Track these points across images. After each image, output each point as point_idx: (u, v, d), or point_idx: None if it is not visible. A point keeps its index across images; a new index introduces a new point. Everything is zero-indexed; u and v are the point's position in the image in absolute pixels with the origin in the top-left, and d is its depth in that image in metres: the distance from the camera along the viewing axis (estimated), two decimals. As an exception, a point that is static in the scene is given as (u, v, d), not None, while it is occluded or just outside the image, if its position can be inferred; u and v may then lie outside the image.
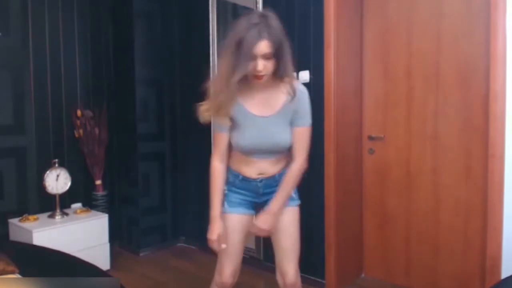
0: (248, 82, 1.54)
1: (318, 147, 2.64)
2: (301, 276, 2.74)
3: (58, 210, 2.92)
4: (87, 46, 3.38)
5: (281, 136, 1.62)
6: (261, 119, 1.60)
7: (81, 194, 3.31)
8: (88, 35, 3.39)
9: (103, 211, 3.15)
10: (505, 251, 2.10)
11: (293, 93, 1.58)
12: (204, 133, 3.31)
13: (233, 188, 1.72)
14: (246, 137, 1.61)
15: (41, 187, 2.91)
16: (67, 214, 2.97)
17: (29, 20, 3.03)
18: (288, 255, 1.72)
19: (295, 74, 1.64)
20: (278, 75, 1.55)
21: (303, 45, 2.70)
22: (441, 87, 2.46)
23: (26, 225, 2.74)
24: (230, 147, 1.71)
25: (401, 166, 2.64)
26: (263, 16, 1.49)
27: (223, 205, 1.72)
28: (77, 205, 3.22)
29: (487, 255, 2.16)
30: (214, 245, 1.65)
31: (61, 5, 3.20)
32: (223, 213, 1.71)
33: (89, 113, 3.23)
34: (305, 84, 2.71)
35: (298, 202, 1.77)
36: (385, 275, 2.76)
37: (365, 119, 2.81)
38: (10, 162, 2.95)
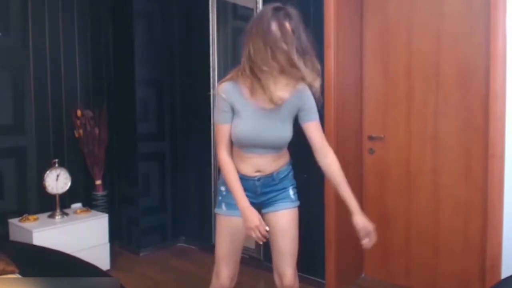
0: (253, 73, 1.51)
1: (318, 147, 2.64)
2: (301, 276, 2.74)
3: (58, 210, 2.92)
4: (87, 46, 3.38)
5: (280, 130, 1.61)
6: (262, 111, 1.58)
7: (81, 194, 3.31)
8: (88, 35, 3.39)
9: (103, 211, 3.15)
10: (505, 251, 2.10)
11: (298, 90, 1.57)
12: (204, 133, 3.32)
13: None
14: (244, 128, 1.58)
15: (41, 187, 2.91)
16: (67, 214, 2.97)
17: (29, 20, 3.03)
18: (287, 257, 1.71)
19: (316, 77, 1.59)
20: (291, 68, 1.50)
21: (303, 45, 2.69)
22: (441, 87, 2.46)
23: (26, 225, 2.74)
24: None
25: (401, 166, 2.64)
26: (281, 5, 1.53)
27: (220, 206, 1.70)
28: (77, 205, 3.22)
29: (487, 255, 2.16)
30: (261, 229, 1.52)
31: (61, 5, 3.20)
32: (220, 215, 1.70)
33: (89, 113, 3.23)
34: (305, 84, 2.73)
35: (297, 203, 1.75)
36: (385, 275, 2.76)
37: (365, 119, 2.81)
38: (10, 162, 2.95)
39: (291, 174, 1.75)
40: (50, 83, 3.15)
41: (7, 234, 2.87)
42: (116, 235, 3.45)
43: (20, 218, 2.84)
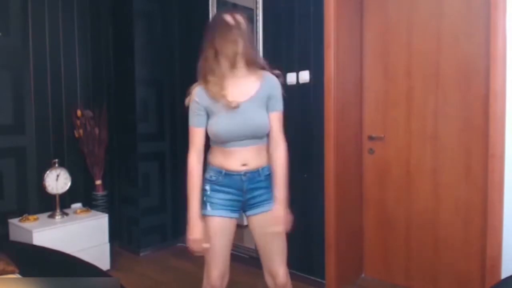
0: (222, 72, 1.62)
1: (318, 147, 2.64)
2: (301, 276, 2.75)
3: (58, 210, 2.92)
4: (87, 46, 3.38)
5: (256, 118, 1.63)
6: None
7: (81, 194, 3.31)
8: (88, 35, 3.39)
9: (103, 211, 3.15)
10: (505, 251, 2.10)
11: (264, 79, 1.65)
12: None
13: (216, 187, 1.67)
14: (221, 124, 1.61)
15: (41, 187, 2.91)
16: (67, 214, 2.97)
17: (29, 20, 3.03)
18: (277, 257, 1.71)
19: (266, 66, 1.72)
20: (250, 62, 1.64)
21: (303, 45, 2.70)
22: (441, 87, 2.46)
23: (26, 225, 2.74)
24: (209, 144, 1.72)
25: (401, 166, 2.64)
26: (228, 11, 1.69)
27: (205, 207, 1.68)
28: (77, 205, 3.22)
29: (487, 255, 2.16)
30: (197, 245, 1.62)
31: (61, 5, 3.20)
32: (205, 215, 1.69)
33: (89, 113, 3.23)
34: (305, 84, 2.74)
35: (283, 204, 1.71)
36: (385, 275, 2.76)
37: (365, 119, 2.81)
38: (10, 162, 2.96)
39: None
40: (50, 83, 3.15)
41: (7, 234, 2.87)
42: (116, 235, 3.45)
43: (20, 218, 2.84)
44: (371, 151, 2.78)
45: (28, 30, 3.02)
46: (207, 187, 1.70)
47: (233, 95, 1.62)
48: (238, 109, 1.61)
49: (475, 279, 2.36)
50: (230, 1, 3.37)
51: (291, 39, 2.75)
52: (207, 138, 1.72)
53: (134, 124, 3.32)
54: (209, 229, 1.68)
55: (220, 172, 1.67)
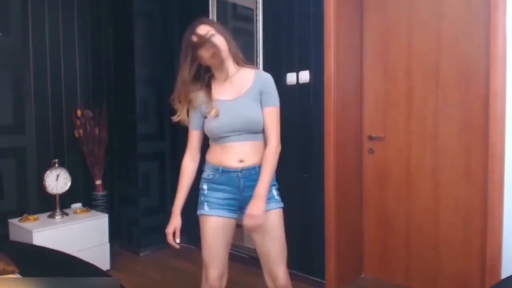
0: (212, 76, 1.69)
1: (318, 147, 2.64)
2: (301, 276, 2.75)
3: (58, 210, 2.92)
4: (87, 46, 3.39)
5: (246, 111, 1.63)
6: (227, 102, 1.65)
7: (81, 194, 3.32)
8: (88, 35, 3.39)
9: (103, 211, 3.15)
10: (505, 251, 2.10)
11: (255, 75, 1.68)
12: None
13: (213, 185, 1.68)
14: (215, 120, 1.63)
15: (41, 187, 2.91)
16: (67, 214, 2.97)
17: (29, 20, 3.03)
18: (277, 259, 1.70)
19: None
20: (236, 58, 1.68)
21: (303, 45, 2.70)
22: (441, 87, 2.46)
23: (26, 225, 2.74)
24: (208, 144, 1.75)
25: (401, 166, 2.64)
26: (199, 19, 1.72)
27: (202, 207, 1.69)
28: (77, 205, 3.22)
29: (487, 255, 2.16)
30: (169, 239, 1.72)
31: (61, 5, 3.21)
32: (203, 215, 1.69)
33: (89, 113, 3.23)
34: (305, 84, 2.74)
35: (281, 204, 1.71)
36: (385, 275, 2.76)
37: (365, 119, 2.81)
38: (10, 162, 2.96)
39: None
40: (50, 83, 3.15)
41: (7, 234, 2.87)
42: (116, 235, 3.45)
43: (20, 218, 2.84)
44: (371, 151, 2.78)
45: (28, 30, 3.02)
46: (204, 186, 1.71)
47: (226, 93, 1.66)
48: (230, 104, 1.64)
49: (475, 279, 2.36)
50: (230, 1, 3.37)
51: (291, 39, 2.75)
52: (207, 138, 1.75)
53: (134, 124, 3.33)
54: (206, 229, 1.68)
55: (217, 169, 1.68)
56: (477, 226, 2.34)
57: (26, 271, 1.77)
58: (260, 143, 1.69)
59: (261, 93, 1.66)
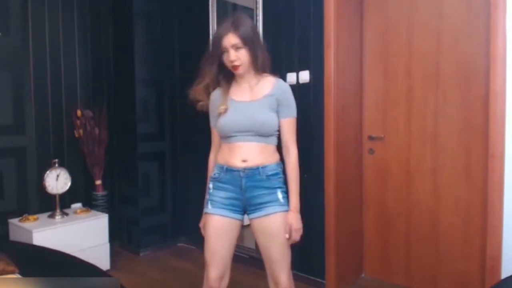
0: (234, 78, 1.72)
1: (318, 147, 2.64)
2: (301, 276, 2.75)
3: (58, 210, 2.92)
4: (87, 46, 3.39)
5: (262, 115, 1.65)
6: (242, 103, 1.68)
7: (81, 194, 3.32)
8: (88, 35, 3.39)
9: (103, 211, 3.15)
10: (505, 251, 2.10)
11: (274, 85, 1.70)
12: (204, 133, 3.31)
13: (218, 184, 1.70)
14: (226, 118, 1.67)
15: (41, 187, 2.91)
16: (67, 214, 2.97)
17: (29, 20, 3.03)
18: (280, 263, 1.67)
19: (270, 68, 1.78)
20: (258, 68, 1.69)
21: (303, 45, 2.70)
22: (441, 87, 2.46)
23: (26, 225, 2.74)
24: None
25: (401, 166, 2.64)
26: (233, 16, 1.68)
27: (207, 205, 1.71)
28: (77, 205, 3.22)
29: (487, 255, 2.16)
30: (203, 232, 1.75)
31: (61, 5, 3.21)
32: (207, 214, 1.70)
33: (89, 113, 3.23)
34: (305, 84, 2.74)
35: (286, 208, 1.69)
36: (385, 275, 2.76)
37: (365, 119, 2.81)
38: (10, 162, 2.96)
39: (280, 176, 1.72)
40: (50, 83, 3.15)
41: (7, 234, 2.87)
42: (116, 235, 3.45)
43: (20, 218, 2.84)
44: (371, 151, 2.78)
45: (28, 30, 3.02)
46: (210, 185, 1.74)
47: (242, 95, 1.70)
48: (245, 105, 1.67)
49: (475, 279, 2.36)
50: (230, 1, 3.37)
51: (291, 39, 2.75)
52: None
53: (134, 124, 3.33)
54: (209, 227, 1.68)
55: (222, 168, 1.69)
56: (477, 226, 2.34)
57: (26, 271, 1.77)
58: (269, 146, 1.69)
59: (278, 103, 1.69)
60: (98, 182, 3.29)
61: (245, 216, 1.75)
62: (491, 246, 2.14)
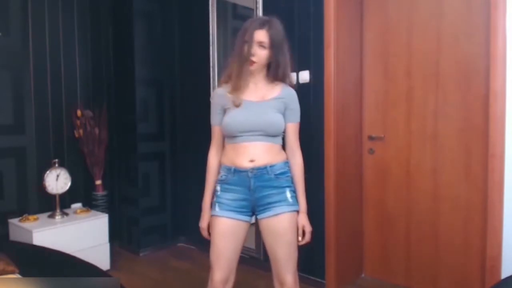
0: (243, 77, 1.67)
1: (318, 147, 2.64)
2: (301, 276, 2.75)
3: (58, 210, 2.92)
4: (87, 46, 3.39)
5: (270, 115, 1.65)
6: (250, 102, 1.66)
7: (81, 194, 3.32)
8: (88, 35, 3.39)
9: (103, 211, 3.15)
10: (505, 251, 2.10)
11: (283, 89, 1.71)
12: (204, 133, 3.31)
13: (225, 186, 1.68)
14: (233, 116, 1.65)
15: (41, 187, 2.91)
16: (67, 214, 2.97)
17: (29, 20, 3.03)
18: (287, 264, 1.65)
19: (293, 77, 1.77)
20: (276, 74, 1.69)
21: (303, 45, 2.70)
22: (441, 87, 2.46)
23: (26, 225, 2.74)
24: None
25: (401, 166, 2.64)
26: (269, 17, 1.69)
27: (214, 207, 1.68)
28: (77, 205, 3.22)
29: (487, 255, 2.16)
30: (204, 233, 1.75)
31: (61, 5, 3.21)
32: (214, 216, 1.67)
33: (89, 113, 3.23)
34: (305, 84, 2.74)
35: (295, 207, 1.68)
36: (385, 275, 2.76)
37: (365, 119, 2.81)
38: (10, 162, 2.96)
39: (288, 175, 1.71)
40: (50, 83, 3.15)
41: (7, 234, 2.87)
42: (116, 235, 3.45)
43: (20, 218, 2.84)
44: (371, 151, 2.78)
45: (28, 30, 3.02)
46: (218, 187, 1.71)
47: (250, 95, 1.67)
48: (253, 104, 1.65)
49: (475, 279, 2.36)
50: (230, 1, 3.37)
51: (291, 39, 2.72)
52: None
53: (134, 124, 3.33)
54: (215, 229, 1.66)
55: (230, 169, 1.67)
56: (477, 226, 2.34)
57: (26, 271, 1.77)
58: (275, 145, 1.70)
59: (286, 107, 1.71)
60: (98, 182, 3.29)
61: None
62: (491, 246, 2.14)
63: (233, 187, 1.66)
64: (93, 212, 3.08)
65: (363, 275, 2.88)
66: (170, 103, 3.53)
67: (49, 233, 2.70)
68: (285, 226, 1.64)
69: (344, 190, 2.67)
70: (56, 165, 2.95)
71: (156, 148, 3.46)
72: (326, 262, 2.65)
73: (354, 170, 2.78)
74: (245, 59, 1.63)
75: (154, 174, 3.45)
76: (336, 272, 2.63)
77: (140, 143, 3.33)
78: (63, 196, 3.01)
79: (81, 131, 3.19)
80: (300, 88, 2.71)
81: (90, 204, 3.23)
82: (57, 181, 2.94)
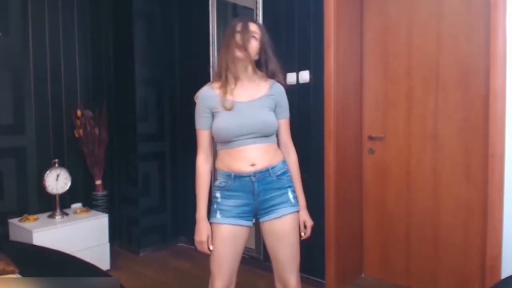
0: (229, 80, 1.64)
1: (318, 147, 2.64)
2: (301, 276, 2.75)
3: (58, 210, 2.92)
4: (87, 46, 3.39)
5: (262, 115, 1.62)
6: (241, 104, 1.61)
7: (81, 194, 3.32)
8: (88, 35, 3.39)
9: (103, 211, 3.15)
10: (505, 251, 2.10)
11: (271, 86, 1.69)
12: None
13: (226, 193, 1.62)
14: (227, 121, 1.59)
15: (41, 187, 2.91)
16: (67, 214, 2.97)
17: (29, 20, 3.03)
18: (289, 265, 1.64)
19: (283, 75, 1.77)
20: (267, 69, 1.69)
21: (303, 45, 2.70)
22: (441, 87, 2.46)
23: (26, 225, 2.74)
24: (215, 149, 1.71)
25: (401, 166, 2.64)
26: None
27: (215, 215, 1.63)
28: (77, 205, 3.22)
29: (487, 255, 2.16)
30: (203, 247, 1.63)
31: (61, 5, 3.21)
32: (214, 223, 1.63)
33: (89, 113, 3.23)
34: (305, 84, 2.74)
35: (297, 208, 1.67)
36: (385, 275, 2.76)
37: (365, 119, 2.81)
38: (10, 162, 2.96)
39: (288, 175, 1.70)
40: (50, 83, 3.15)
41: (7, 234, 2.87)
42: (116, 235, 3.45)
43: (20, 218, 2.84)
44: (371, 151, 2.78)
45: (28, 30, 3.02)
46: (218, 194, 1.65)
47: (240, 95, 1.62)
48: (244, 105, 1.61)
49: (475, 279, 2.36)
50: (230, 1, 3.37)
51: (291, 39, 2.75)
52: (215, 143, 1.71)
53: (134, 124, 3.33)
54: (218, 237, 1.61)
55: (229, 175, 1.62)
56: (477, 226, 2.34)
57: (26, 271, 1.77)
58: (272, 145, 1.67)
59: (276, 104, 1.69)
60: (98, 182, 3.29)
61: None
62: (491, 246, 2.14)
63: (235, 193, 1.61)
64: (93, 212, 3.08)
65: (363, 275, 2.88)
66: (170, 103, 3.53)
67: (49, 233, 2.70)
68: (288, 227, 1.63)
69: (344, 190, 2.67)
70: (56, 165, 2.95)
71: (156, 148, 3.46)
72: (326, 262, 2.65)
73: (354, 170, 2.78)
74: (237, 47, 1.58)
75: (154, 174, 3.45)
76: (336, 272, 2.63)
77: (140, 143, 3.33)
78: (63, 196, 3.01)
79: (81, 131, 3.19)
80: (300, 88, 2.71)
81: (90, 204, 3.23)
82: (57, 181, 2.94)
